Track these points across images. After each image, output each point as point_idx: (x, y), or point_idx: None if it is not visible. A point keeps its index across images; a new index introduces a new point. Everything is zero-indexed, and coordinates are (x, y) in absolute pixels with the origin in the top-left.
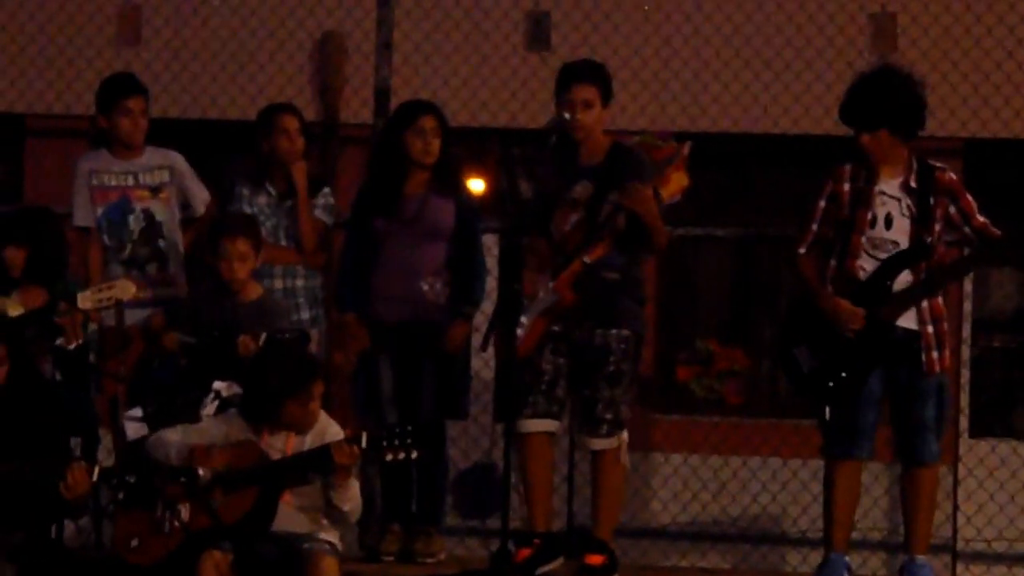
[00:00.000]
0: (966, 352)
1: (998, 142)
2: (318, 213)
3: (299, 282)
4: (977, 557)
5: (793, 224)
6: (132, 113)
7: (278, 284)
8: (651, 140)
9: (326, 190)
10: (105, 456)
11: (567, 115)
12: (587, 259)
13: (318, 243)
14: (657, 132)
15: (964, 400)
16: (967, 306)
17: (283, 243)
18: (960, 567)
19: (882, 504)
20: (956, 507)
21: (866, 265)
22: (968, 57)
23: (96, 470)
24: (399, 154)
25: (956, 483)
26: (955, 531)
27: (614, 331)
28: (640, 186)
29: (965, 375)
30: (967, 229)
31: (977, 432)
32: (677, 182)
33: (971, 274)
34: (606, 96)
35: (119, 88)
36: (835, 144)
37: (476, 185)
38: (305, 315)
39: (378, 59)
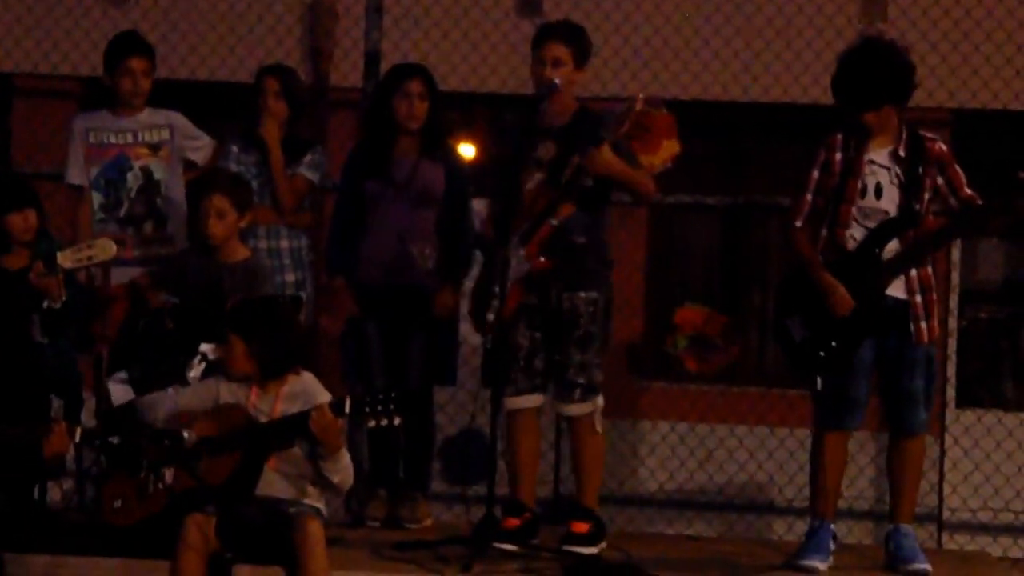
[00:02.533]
0: (953, 323)
1: (987, 113)
2: (303, 170)
3: (283, 243)
4: (962, 527)
5: (783, 193)
6: (134, 73)
7: (262, 244)
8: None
9: (317, 148)
10: (89, 418)
11: (539, 72)
12: (554, 222)
13: (299, 202)
14: (647, 99)
15: (951, 370)
16: (954, 277)
17: (268, 203)
18: (945, 536)
19: (868, 473)
20: (942, 477)
21: (856, 235)
22: (958, 27)
23: (78, 431)
24: (388, 118)
25: (943, 453)
26: (941, 501)
27: (582, 294)
28: (596, 150)
29: (952, 345)
30: (953, 200)
31: (963, 402)
32: (668, 149)
33: (958, 244)
34: (580, 58)
35: (124, 48)
36: (825, 113)
37: (467, 150)
38: (290, 277)
39: (368, 22)
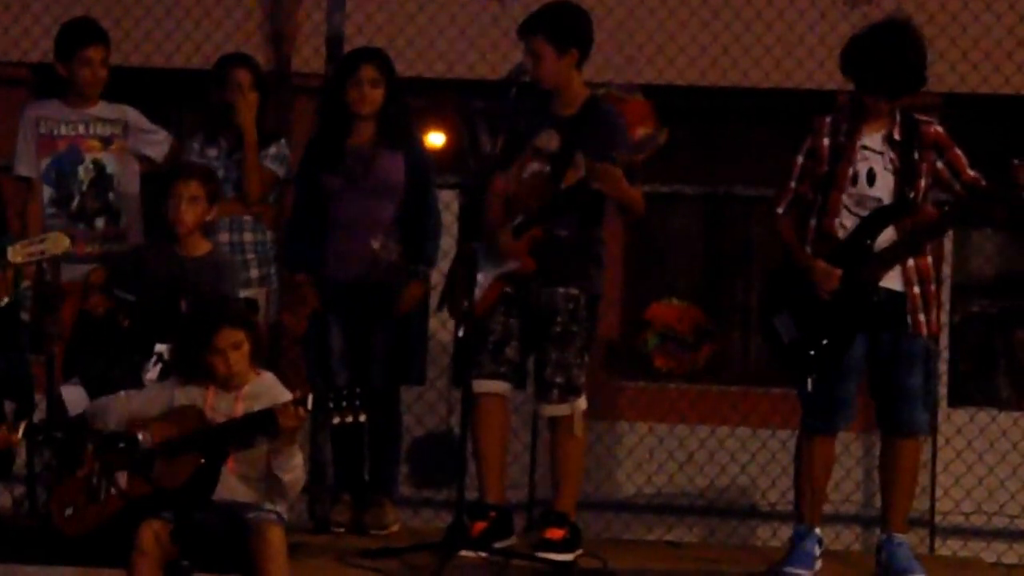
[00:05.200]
0: (945, 317)
1: (978, 98)
2: (268, 163)
3: (247, 236)
4: (954, 531)
5: (765, 182)
6: (93, 63)
7: (224, 238)
8: (616, 93)
9: (281, 141)
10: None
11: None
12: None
13: (264, 194)
14: (622, 84)
15: (942, 367)
16: (946, 270)
17: (230, 195)
18: (937, 541)
19: (855, 476)
20: (934, 479)
21: (847, 223)
22: (945, 10)
23: (21, 426)
24: (342, 106)
25: (935, 454)
26: (933, 504)
27: (561, 290)
28: (610, 167)
29: (944, 341)
30: (957, 185)
31: (956, 401)
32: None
33: (950, 236)
34: (560, 43)
35: (81, 36)
36: (808, 98)
37: (436, 139)
38: (254, 272)
39: (330, 5)
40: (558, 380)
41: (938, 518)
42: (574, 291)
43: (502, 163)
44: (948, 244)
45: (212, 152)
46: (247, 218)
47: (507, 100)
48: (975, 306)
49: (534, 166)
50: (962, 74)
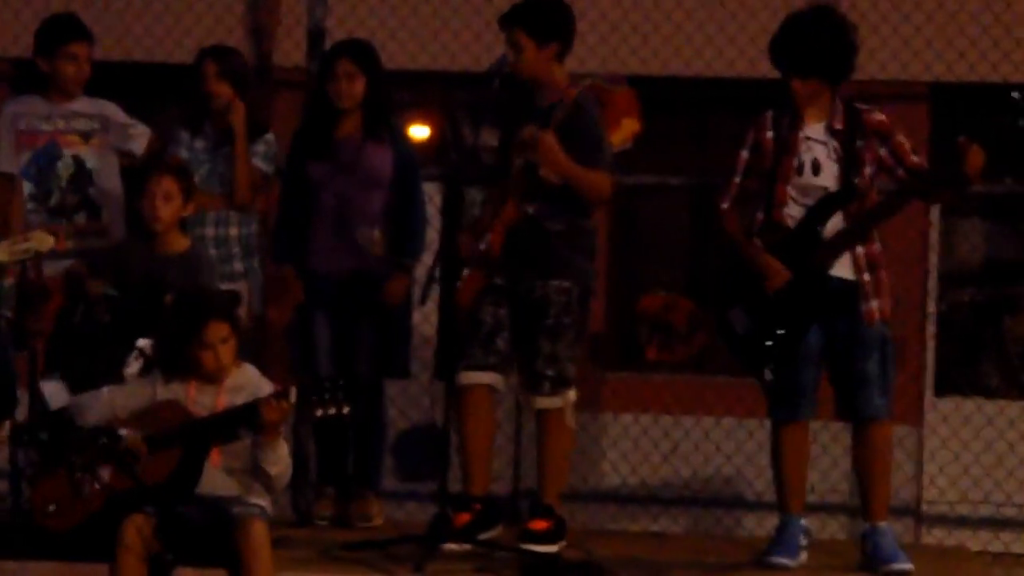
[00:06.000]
0: (932, 306)
1: (964, 86)
2: (256, 161)
3: (232, 230)
4: (941, 520)
5: None
6: (78, 59)
7: (210, 232)
8: (601, 84)
9: (268, 136)
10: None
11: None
12: (530, 210)
13: (252, 192)
14: (606, 75)
15: (930, 357)
16: (932, 258)
17: (217, 190)
18: (923, 530)
19: (843, 466)
20: (921, 468)
21: (795, 213)
22: None
23: (6, 426)
24: (327, 99)
25: (921, 443)
26: (920, 493)
27: (554, 282)
28: (543, 135)
29: (930, 330)
30: (900, 171)
31: (943, 390)
32: (628, 127)
33: (936, 225)
34: (540, 35)
35: (65, 32)
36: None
37: (420, 131)
38: (238, 266)
39: None
40: (549, 372)
41: (924, 507)
42: (567, 284)
43: (500, 164)
44: (934, 234)
45: (200, 144)
46: (232, 212)
47: (490, 92)
48: (962, 295)
49: (518, 162)
50: (949, 63)
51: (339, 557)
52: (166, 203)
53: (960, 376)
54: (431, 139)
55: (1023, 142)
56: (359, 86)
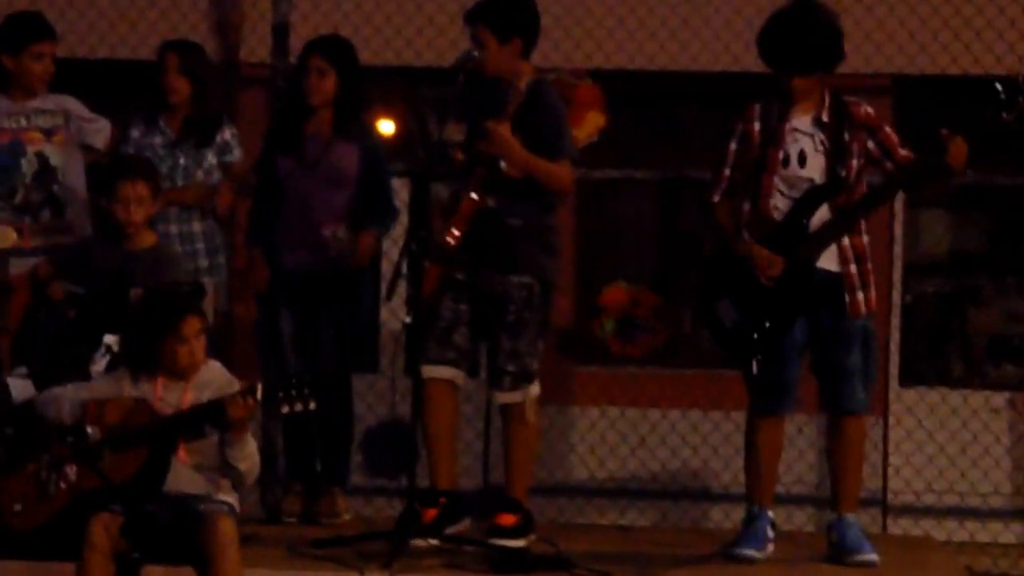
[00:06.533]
0: (897, 297)
1: (928, 78)
2: (215, 158)
3: (195, 226)
4: (906, 510)
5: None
6: (44, 58)
7: (173, 228)
8: (565, 78)
9: (226, 132)
10: None
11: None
12: (474, 195)
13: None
14: (571, 70)
15: (894, 347)
16: (897, 249)
17: (179, 185)
18: (889, 520)
19: (808, 457)
20: (886, 458)
21: (781, 205)
22: None
23: None
24: (298, 94)
25: (886, 434)
26: (885, 484)
27: (514, 278)
28: (495, 126)
29: (895, 321)
30: (889, 164)
31: (908, 380)
32: (592, 122)
33: (900, 216)
34: (503, 32)
35: (31, 31)
36: (757, 81)
37: (386, 127)
38: (203, 262)
39: None
40: (511, 368)
41: (890, 497)
42: (527, 279)
43: (465, 160)
44: (899, 225)
45: (156, 140)
46: (195, 208)
47: (455, 88)
48: (926, 286)
49: (479, 156)
50: (911, 55)
51: (307, 554)
52: (139, 207)
53: (925, 366)
54: (397, 135)
55: (986, 133)
56: (330, 83)
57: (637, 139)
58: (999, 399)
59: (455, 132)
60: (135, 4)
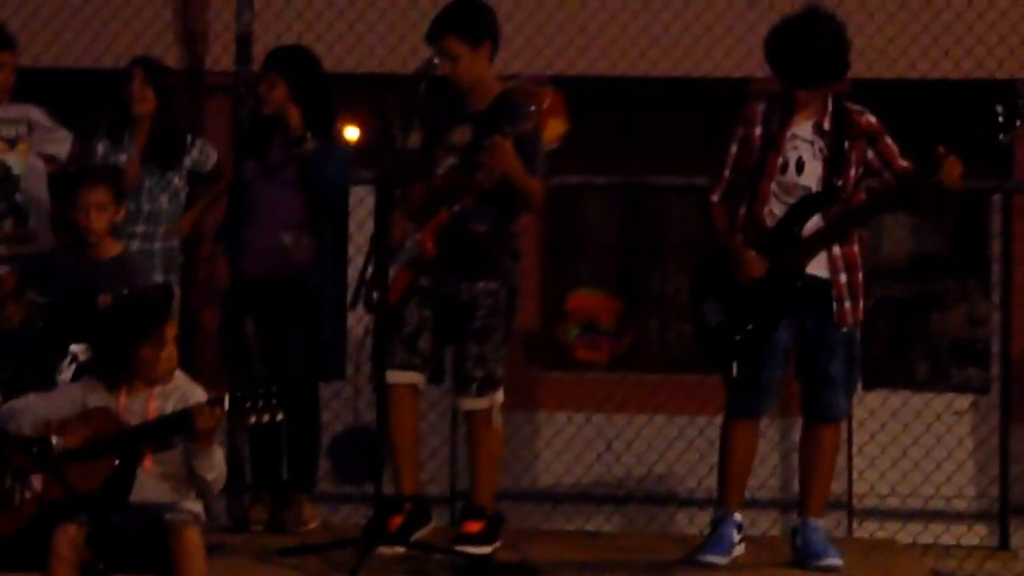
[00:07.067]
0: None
1: (883, 83)
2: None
3: (156, 245)
4: (870, 513)
5: (678, 171)
6: (4, 68)
7: (135, 246)
8: (526, 86)
9: (196, 153)
10: None
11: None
12: (456, 208)
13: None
14: (531, 76)
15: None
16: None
17: (145, 206)
18: (855, 523)
19: (772, 461)
20: (851, 462)
21: (776, 211)
22: None
23: None
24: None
25: (851, 437)
26: (851, 487)
27: (481, 284)
28: (499, 140)
29: None
30: (888, 174)
31: (871, 384)
32: (554, 129)
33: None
34: (472, 37)
35: None
36: (717, 87)
37: (351, 133)
38: (159, 279)
39: (239, 3)
40: (477, 374)
41: (854, 500)
42: (493, 285)
43: (423, 165)
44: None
45: (121, 158)
46: (138, 229)
47: (417, 96)
48: (888, 290)
49: (449, 161)
50: (869, 61)
51: (275, 563)
52: (100, 213)
53: (888, 370)
54: (361, 142)
55: (947, 138)
56: (279, 93)
57: (599, 145)
58: (962, 402)
59: (418, 140)
60: (99, 14)
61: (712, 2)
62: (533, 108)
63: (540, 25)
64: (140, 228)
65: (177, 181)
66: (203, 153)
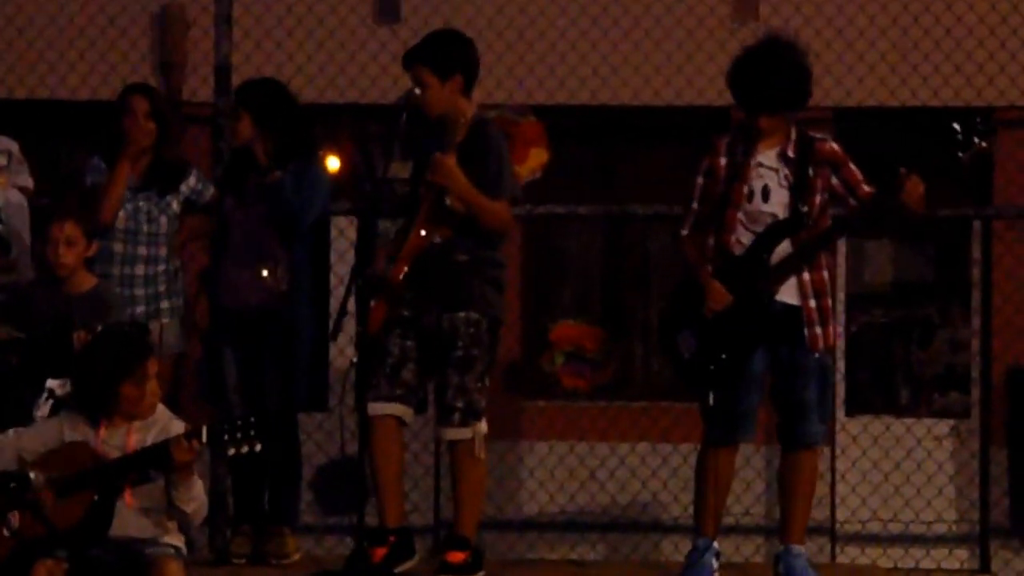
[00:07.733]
0: (840, 328)
1: (867, 111)
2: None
3: (137, 269)
4: (852, 539)
5: (660, 200)
6: None
7: (115, 271)
8: (508, 115)
9: (190, 179)
10: None
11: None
12: (423, 232)
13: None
14: (514, 106)
15: (839, 377)
16: (840, 280)
17: (144, 228)
18: (837, 549)
19: (756, 488)
20: (834, 487)
21: (744, 239)
22: (831, 24)
23: None
24: None
25: (834, 463)
26: (833, 513)
27: (462, 314)
28: (441, 157)
29: (839, 351)
30: (852, 201)
31: (853, 410)
32: (536, 158)
33: (842, 248)
34: (442, 70)
35: None
36: (699, 115)
37: (331, 163)
38: (140, 309)
39: (218, 34)
40: (459, 404)
41: (838, 526)
42: (475, 315)
43: (410, 198)
44: (842, 256)
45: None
46: (141, 251)
47: (398, 126)
48: (870, 316)
49: (425, 192)
50: (848, 88)
51: None
52: (69, 249)
53: (870, 396)
54: (342, 172)
55: (925, 164)
56: (244, 127)
57: (581, 174)
58: (943, 427)
59: (400, 170)
60: (75, 45)
61: (692, 32)
62: (462, 120)
63: (521, 55)
64: (143, 251)
65: (175, 206)
66: (201, 183)
